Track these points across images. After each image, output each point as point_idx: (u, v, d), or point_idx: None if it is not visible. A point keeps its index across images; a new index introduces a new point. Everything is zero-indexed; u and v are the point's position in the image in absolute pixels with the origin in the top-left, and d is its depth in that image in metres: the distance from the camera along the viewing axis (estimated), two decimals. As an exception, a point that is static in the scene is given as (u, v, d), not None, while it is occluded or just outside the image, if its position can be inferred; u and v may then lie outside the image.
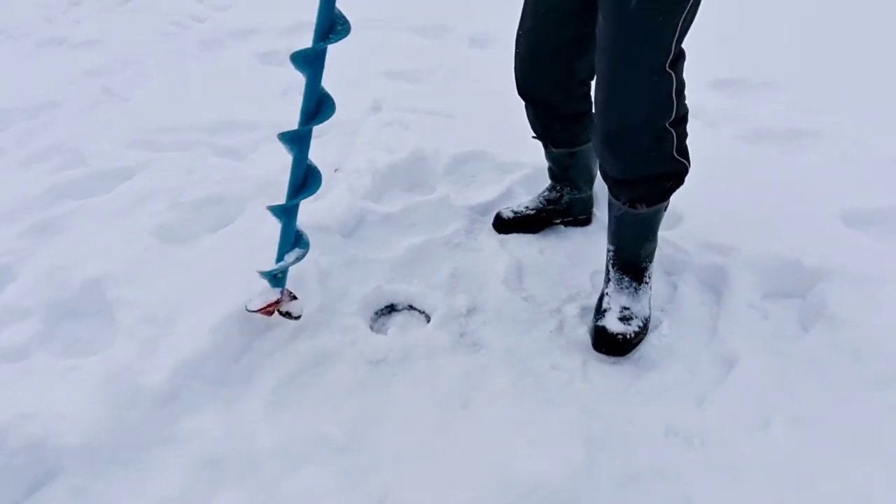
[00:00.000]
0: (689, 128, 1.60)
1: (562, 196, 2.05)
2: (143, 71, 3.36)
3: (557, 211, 2.08)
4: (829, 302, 1.66)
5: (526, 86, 1.83)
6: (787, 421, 1.46)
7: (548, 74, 1.76)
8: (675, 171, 1.61)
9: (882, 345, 1.56)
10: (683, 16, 1.36)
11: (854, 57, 3.22)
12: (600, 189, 1.97)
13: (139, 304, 1.65)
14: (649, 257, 1.75)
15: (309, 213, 2.05)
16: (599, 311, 1.74)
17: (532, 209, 2.08)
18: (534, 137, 1.98)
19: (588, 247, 2.04)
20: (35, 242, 1.96)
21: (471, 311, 1.83)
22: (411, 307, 1.87)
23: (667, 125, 1.51)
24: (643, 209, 1.63)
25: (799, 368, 1.55)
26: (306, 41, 3.99)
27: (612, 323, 1.68)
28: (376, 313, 1.84)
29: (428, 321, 1.82)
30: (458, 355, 1.70)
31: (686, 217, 2.06)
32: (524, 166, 2.36)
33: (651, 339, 1.72)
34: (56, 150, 2.53)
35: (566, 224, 2.11)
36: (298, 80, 3.23)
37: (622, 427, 1.47)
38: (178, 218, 2.03)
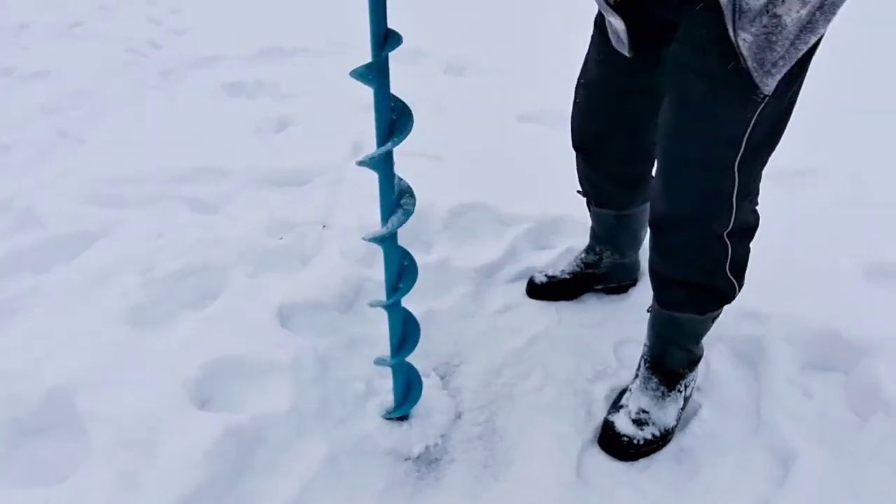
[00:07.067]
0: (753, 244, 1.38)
1: (601, 260, 1.83)
2: (100, 107, 3.01)
3: (595, 276, 1.85)
4: (883, 384, 1.47)
5: (581, 138, 1.59)
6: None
7: (607, 129, 1.52)
8: (721, 288, 1.37)
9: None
10: (759, 109, 1.11)
11: (844, 93, 3.07)
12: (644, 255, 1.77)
13: (115, 420, 1.35)
14: (687, 365, 1.51)
15: (302, 289, 1.78)
16: (615, 405, 1.53)
17: (568, 273, 1.85)
18: (578, 192, 1.75)
19: (609, 313, 1.82)
20: (-15, 334, 1.64)
21: (490, 398, 1.59)
22: (425, 392, 1.62)
23: (723, 234, 1.28)
24: (676, 314, 1.43)
25: (865, 468, 1.35)
26: (273, 70, 3.62)
27: (622, 422, 1.47)
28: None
29: (444, 409, 1.57)
30: (482, 454, 1.46)
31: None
32: (525, 219, 2.14)
33: (692, 427, 1.51)
34: (5, 208, 2.18)
35: (607, 291, 1.88)
36: (271, 116, 2.97)
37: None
38: (152, 298, 1.72)
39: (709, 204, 1.25)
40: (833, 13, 1.02)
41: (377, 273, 1.92)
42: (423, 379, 1.63)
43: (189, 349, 1.54)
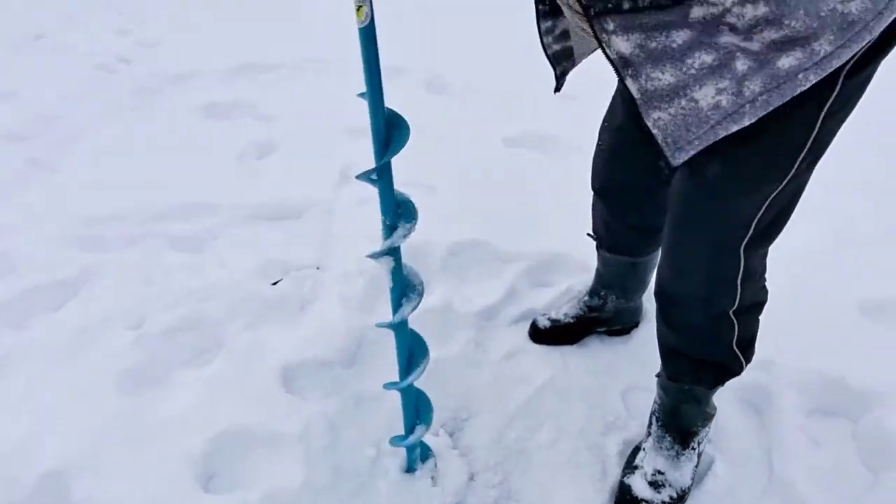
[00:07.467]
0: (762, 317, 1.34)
1: (605, 303, 1.77)
2: (71, 131, 2.85)
3: (599, 319, 1.80)
4: (894, 437, 1.47)
5: (602, 180, 1.54)
6: None
7: (632, 178, 1.46)
8: (727, 363, 1.33)
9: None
10: (775, 194, 1.06)
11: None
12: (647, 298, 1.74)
13: (117, 510, 1.27)
14: (701, 422, 1.47)
15: (304, 345, 1.69)
16: (630, 466, 1.49)
17: (572, 317, 1.80)
18: (589, 235, 1.71)
19: (614, 357, 1.78)
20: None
21: (504, 454, 1.54)
22: (437, 452, 1.56)
23: (729, 312, 1.24)
24: (685, 384, 1.40)
25: (884, 529, 1.35)
26: (250, 87, 3.42)
27: (638, 484, 1.43)
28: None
29: (457, 471, 1.51)
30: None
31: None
32: (524, 257, 2.08)
33: (707, 484, 1.48)
34: (-22, 254, 2.04)
35: (610, 333, 1.84)
36: (252, 140, 2.85)
37: None
38: (145, 357, 1.62)
39: (712, 284, 1.22)
40: (764, 109, 0.92)
41: (378, 319, 1.85)
42: (433, 438, 1.58)
43: (191, 420, 1.45)
